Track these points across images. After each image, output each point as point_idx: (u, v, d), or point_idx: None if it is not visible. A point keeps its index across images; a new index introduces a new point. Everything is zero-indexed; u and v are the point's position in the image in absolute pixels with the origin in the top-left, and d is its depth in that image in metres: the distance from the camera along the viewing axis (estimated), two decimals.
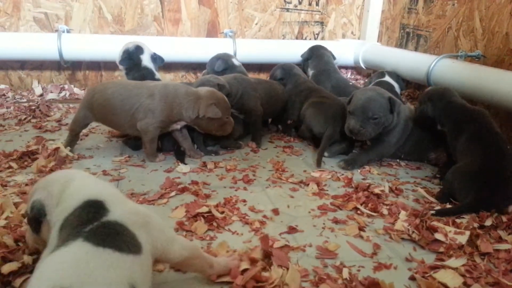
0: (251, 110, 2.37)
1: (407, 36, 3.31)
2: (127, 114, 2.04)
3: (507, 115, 2.34)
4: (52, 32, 3.11)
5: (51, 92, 3.19)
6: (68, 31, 3.12)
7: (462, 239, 1.42)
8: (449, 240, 1.43)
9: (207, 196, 1.75)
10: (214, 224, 1.52)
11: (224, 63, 2.67)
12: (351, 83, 3.06)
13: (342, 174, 2.04)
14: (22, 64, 3.21)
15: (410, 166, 2.21)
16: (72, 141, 2.17)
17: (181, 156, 2.14)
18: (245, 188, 1.86)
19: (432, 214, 1.62)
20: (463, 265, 1.29)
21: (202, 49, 3.21)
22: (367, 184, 1.87)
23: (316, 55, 3.15)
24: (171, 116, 2.04)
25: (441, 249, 1.40)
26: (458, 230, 1.46)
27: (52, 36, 3.00)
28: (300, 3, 3.62)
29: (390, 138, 2.14)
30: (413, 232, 1.51)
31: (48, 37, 3.00)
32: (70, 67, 3.25)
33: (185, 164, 2.09)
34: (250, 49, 3.33)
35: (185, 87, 2.09)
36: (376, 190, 1.81)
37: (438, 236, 1.45)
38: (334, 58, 3.21)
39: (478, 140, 1.81)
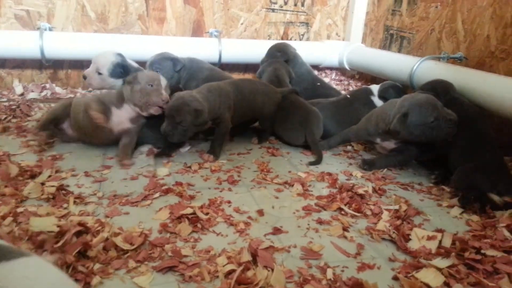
0: (224, 120, 2.23)
1: (391, 38, 3.34)
2: None
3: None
4: (34, 30, 3.05)
5: (32, 91, 3.13)
6: (50, 29, 3.06)
7: (433, 245, 1.44)
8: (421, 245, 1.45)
9: (192, 197, 1.74)
10: (199, 225, 1.51)
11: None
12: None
13: (329, 175, 2.05)
14: (2, 63, 3.14)
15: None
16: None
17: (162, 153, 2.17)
18: (230, 189, 1.85)
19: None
20: (448, 267, 1.31)
21: (187, 49, 3.19)
22: (351, 185, 1.88)
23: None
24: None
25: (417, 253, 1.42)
26: (430, 235, 1.48)
27: (34, 34, 2.94)
28: (285, 3, 3.63)
29: (413, 147, 2.11)
30: (393, 232, 1.52)
31: (30, 35, 2.94)
32: (52, 66, 3.20)
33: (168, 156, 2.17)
34: (235, 49, 3.32)
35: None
36: (360, 191, 1.82)
37: (412, 243, 1.47)
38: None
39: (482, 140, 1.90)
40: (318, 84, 3.04)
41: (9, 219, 1.44)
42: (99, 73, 2.41)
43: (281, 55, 2.98)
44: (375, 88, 2.61)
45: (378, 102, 2.55)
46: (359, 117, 2.44)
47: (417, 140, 2.00)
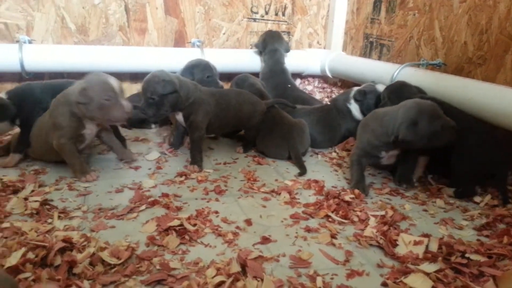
0: (196, 124, 2.23)
1: (371, 46, 3.40)
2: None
3: None
4: (13, 43, 3.00)
5: None
6: (30, 42, 3.01)
7: (420, 249, 1.46)
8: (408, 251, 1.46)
9: (179, 209, 1.72)
10: (187, 237, 1.50)
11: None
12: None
13: (316, 182, 2.06)
14: None
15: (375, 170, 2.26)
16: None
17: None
18: (217, 199, 1.85)
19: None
20: (436, 271, 1.32)
21: (169, 59, 3.18)
22: (338, 192, 1.90)
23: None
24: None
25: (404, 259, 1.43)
26: (417, 240, 1.49)
27: (13, 47, 2.88)
28: (266, 13, 3.66)
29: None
30: (381, 238, 1.54)
31: (9, 48, 2.88)
32: (32, 79, 3.13)
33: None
34: (218, 58, 3.31)
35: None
36: (347, 197, 1.83)
37: (399, 248, 1.49)
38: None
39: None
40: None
41: None
42: None
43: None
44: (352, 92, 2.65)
45: (354, 106, 2.61)
46: (335, 125, 2.54)
47: (420, 147, 1.97)
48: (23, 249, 1.29)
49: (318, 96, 3.69)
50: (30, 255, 1.27)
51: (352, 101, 2.61)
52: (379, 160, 2.09)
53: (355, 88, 2.65)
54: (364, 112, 2.55)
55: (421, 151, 2.07)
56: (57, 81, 2.42)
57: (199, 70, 2.60)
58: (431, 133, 1.87)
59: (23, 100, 2.11)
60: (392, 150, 2.03)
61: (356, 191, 1.90)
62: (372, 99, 2.54)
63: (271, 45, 3.27)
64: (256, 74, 3.63)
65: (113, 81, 1.95)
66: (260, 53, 3.35)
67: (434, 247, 1.47)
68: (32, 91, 2.18)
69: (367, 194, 1.94)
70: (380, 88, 2.56)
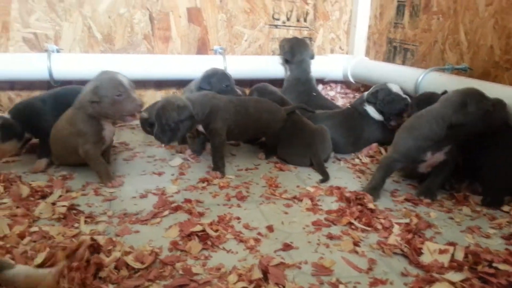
0: (216, 131, 2.24)
1: (394, 50, 3.36)
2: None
3: None
4: (42, 52, 3.10)
5: None
6: (58, 51, 3.11)
7: (445, 258, 1.43)
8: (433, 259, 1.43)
9: (201, 214, 1.74)
10: (209, 243, 1.51)
11: None
12: None
13: (338, 189, 2.04)
14: (12, 85, 3.18)
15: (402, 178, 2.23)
16: None
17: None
18: (238, 205, 1.86)
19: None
20: (461, 281, 1.29)
21: (192, 66, 3.23)
22: (361, 198, 1.87)
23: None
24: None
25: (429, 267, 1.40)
26: (442, 248, 1.46)
27: (42, 56, 2.98)
28: (288, 19, 3.67)
29: (457, 154, 2.05)
30: (405, 246, 1.51)
31: (38, 57, 2.98)
32: (60, 86, 3.24)
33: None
34: (240, 65, 3.35)
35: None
36: (370, 205, 1.81)
37: (424, 257, 1.46)
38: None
39: None
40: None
41: (28, 238, 1.46)
42: None
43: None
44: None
45: (370, 108, 2.64)
46: (357, 128, 2.56)
47: (477, 132, 1.91)
48: (48, 250, 1.34)
49: (340, 101, 3.66)
50: (59, 253, 1.30)
51: (367, 105, 2.63)
52: (417, 166, 2.03)
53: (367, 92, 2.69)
54: (382, 112, 2.60)
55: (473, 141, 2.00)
56: (58, 89, 2.50)
57: (217, 80, 2.62)
58: (483, 113, 1.83)
59: (26, 116, 2.17)
60: (440, 151, 1.95)
61: (369, 196, 1.89)
62: (385, 98, 2.57)
63: (299, 54, 3.24)
64: (277, 81, 3.65)
65: (122, 77, 2.02)
66: (286, 61, 3.32)
67: (460, 255, 1.43)
68: (33, 105, 2.24)
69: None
70: (393, 87, 2.60)
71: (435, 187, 2.03)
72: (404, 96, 2.60)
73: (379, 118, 2.63)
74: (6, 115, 2.14)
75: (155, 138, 2.14)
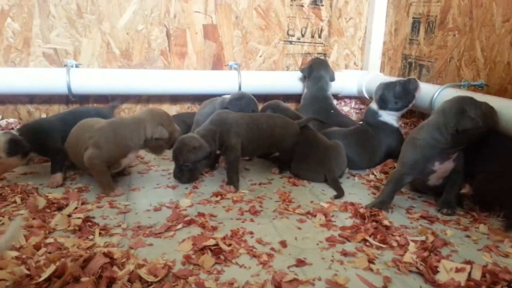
0: (231, 147, 2.25)
1: (410, 66, 3.35)
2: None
3: None
4: (61, 67, 3.18)
5: None
6: (77, 66, 3.18)
7: (462, 277, 1.39)
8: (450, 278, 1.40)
9: (214, 228, 1.74)
10: (222, 257, 1.50)
11: None
12: None
13: (352, 205, 2.02)
14: (31, 98, 3.26)
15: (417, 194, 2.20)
16: None
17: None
18: (252, 220, 1.85)
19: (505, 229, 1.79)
20: None
21: (207, 81, 3.27)
22: (375, 215, 1.85)
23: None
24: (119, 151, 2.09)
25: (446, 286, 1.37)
26: (459, 267, 1.43)
27: (61, 71, 3.06)
28: (303, 35, 3.70)
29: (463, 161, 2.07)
30: (421, 264, 1.48)
31: (57, 72, 3.05)
32: (78, 101, 3.30)
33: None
34: (254, 80, 3.38)
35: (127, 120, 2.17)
36: (385, 222, 1.79)
37: (440, 275, 1.43)
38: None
39: None
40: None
41: (43, 249, 1.48)
42: None
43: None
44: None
45: (385, 116, 2.64)
46: (374, 143, 2.56)
47: (480, 134, 1.95)
48: (63, 260, 1.36)
49: (355, 117, 3.66)
50: (70, 263, 1.32)
51: (381, 112, 2.63)
52: (428, 178, 2.04)
53: (372, 103, 2.71)
54: (397, 108, 2.63)
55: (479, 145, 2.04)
56: (67, 112, 2.56)
57: (245, 103, 2.67)
58: (483, 115, 1.89)
59: (35, 135, 2.20)
60: (448, 159, 1.97)
61: (384, 213, 1.89)
62: (395, 93, 2.60)
63: (316, 71, 3.26)
64: (291, 96, 3.67)
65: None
66: (305, 78, 3.35)
67: (477, 275, 1.40)
68: (41, 126, 2.29)
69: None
70: (387, 80, 2.65)
71: (453, 199, 2.02)
72: (402, 79, 2.66)
73: (396, 125, 2.66)
74: (14, 131, 2.18)
75: (174, 178, 2.24)
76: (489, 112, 1.96)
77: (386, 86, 2.64)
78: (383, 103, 2.63)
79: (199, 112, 2.81)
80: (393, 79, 3.20)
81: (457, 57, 2.82)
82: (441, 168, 1.99)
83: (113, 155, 2.07)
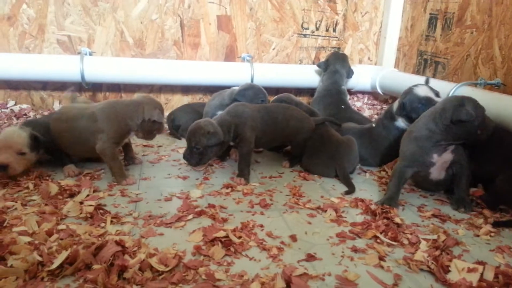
0: (245, 140, 2.25)
1: (425, 63, 3.31)
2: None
3: None
4: (75, 55, 3.19)
5: None
6: (90, 54, 3.19)
7: (474, 277, 1.38)
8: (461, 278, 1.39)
9: (224, 220, 1.74)
10: (232, 249, 1.50)
11: None
12: None
13: (362, 201, 2.01)
14: (44, 85, 3.28)
15: (429, 193, 2.18)
16: None
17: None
18: (262, 213, 1.85)
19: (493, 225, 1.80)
20: None
21: (220, 73, 3.26)
22: (387, 212, 1.84)
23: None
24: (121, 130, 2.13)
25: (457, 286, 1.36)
26: (471, 267, 1.42)
27: (74, 58, 3.07)
28: (317, 29, 3.67)
29: (464, 153, 2.06)
30: (432, 263, 1.47)
31: (71, 59, 3.07)
32: (91, 89, 3.32)
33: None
34: (267, 73, 3.37)
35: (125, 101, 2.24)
36: (396, 219, 1.78)
37: (452, 274, 1.41)
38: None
39: None
40: None
41: (55, 236, 1.49)
42: (22, 153, 2.03)
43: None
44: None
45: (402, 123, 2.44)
46: (386, 146, 2.47)
47: (472, 132, 1.92)
48: (74, 247, 1.37)
49: (367, 112, 3.63)
50: (82, 251, 1.33)
51: (399, 119, 2.42)
52: (429, 171, 2.03)
53: (395, 104, 2.47)
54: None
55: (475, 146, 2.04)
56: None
57: (253, 94, 2.65)
58: (481, 115, 1.91)
59: (43, 133, 2.16)
60: (446, 150, 1.98)
61: (395, 210, 1.88)
62: (414, 107, 2.32)
63: (332, 66, 3.25)
64: (303, 90, 3.65)
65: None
66: (321, 72, 3.34)
67: (489, 275, 1.38)
68: (47, 124, 2.21)
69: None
70: (420, 91, 2.36)
71: (465, 195, 2.02)
72: (436, 98, 2.32)
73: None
74: (24, 126, 2.13)
75: (184, 158, 2.21)
76: (487, 118, 1.96)
77: (411, 97, 2.37)
78: (399, 112, 2.40)
79: (208, 103, 2.81)
80: (411, 76, 3.13)
81: (474, 54, 2.78)
82: (440, 160, 2.00)
83: (117, 135, 2.10)
